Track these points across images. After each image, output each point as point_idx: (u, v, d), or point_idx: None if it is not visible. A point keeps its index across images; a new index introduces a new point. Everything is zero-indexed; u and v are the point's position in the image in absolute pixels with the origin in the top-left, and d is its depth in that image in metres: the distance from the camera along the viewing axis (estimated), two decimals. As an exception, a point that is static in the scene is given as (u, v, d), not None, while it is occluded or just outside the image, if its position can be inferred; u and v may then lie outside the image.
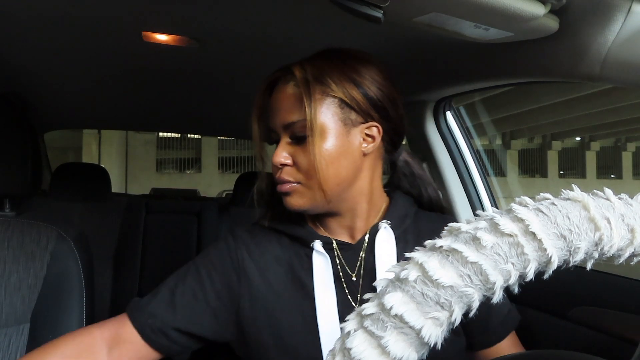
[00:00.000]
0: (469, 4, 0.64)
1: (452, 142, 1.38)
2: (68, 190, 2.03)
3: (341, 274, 0.75)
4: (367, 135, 0.74)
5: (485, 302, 0.68)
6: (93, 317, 1.00)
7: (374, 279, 0.73)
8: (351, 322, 0.37)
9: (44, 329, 0.94)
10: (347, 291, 0.74)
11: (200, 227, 2.22)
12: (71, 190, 2.03)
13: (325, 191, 0.72)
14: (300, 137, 0.71)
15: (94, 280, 1.04)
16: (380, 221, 0.77)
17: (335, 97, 0.71)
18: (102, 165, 2.44)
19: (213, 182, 17.14)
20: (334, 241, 0.77)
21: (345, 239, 0.79)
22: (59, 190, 2.02)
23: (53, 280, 0.96)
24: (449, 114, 1.39)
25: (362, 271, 0.75)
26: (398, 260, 0.71)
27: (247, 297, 0.75)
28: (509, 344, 0.82)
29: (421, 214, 0.83)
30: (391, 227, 0.76)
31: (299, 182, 0.73)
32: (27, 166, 0.99)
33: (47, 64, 1.36)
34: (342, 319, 0.69)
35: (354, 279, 0.75)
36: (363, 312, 0.36)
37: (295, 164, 0.73)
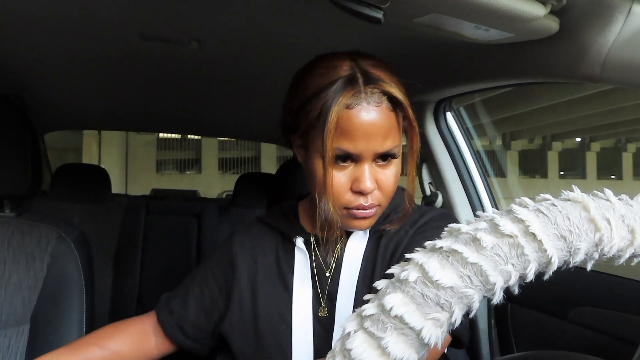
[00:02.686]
0: (470, 5, 0.64)
1: (452, 143, 1.38)
2: (68, 191, 2.03)
3: (315, 269, 0.78)
4: None
5: None
6: (93, 317, 1.00)
7: (339, 275, 0.76)
8: (351, 323, 0.37)
9: (44, 329, 0.94)
10: (317, 285, 0.77)
11: (201, 227, 2.22)
12: (71, 191, 2.03)
13: (397, 214, 0.76)
14: (386, 158, 0.70)
15: (94, 281, 1.04)
16: None
17: (409, 115, 0.71)
18: (102, 166, 2.44)
19: (213, 183, 17.14)
20: (312, 238, 0.79)
21: (332, 235, 0.79)
22: (59, 191, 2.02)
23: (53, 281, 0.96)
24: (449, 115, 1.39)
25: (333, 269, 0.78)
26: (364, 257, 0.75)
27: (238, 287, 0.81)
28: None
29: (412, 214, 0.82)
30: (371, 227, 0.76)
31: (379, 205, 0.71)
32: (27, 167, 0.99)
33: (47, 64, 1.36)
34: (314, 312, 0.75)
35: (327, 274, 0.77)
36: (363, 313, 0.36)
37: (378, 187, 0.70)
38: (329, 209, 0.69)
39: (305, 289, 0.76)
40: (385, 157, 0.69)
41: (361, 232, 0.77)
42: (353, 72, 0.68)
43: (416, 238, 0.74)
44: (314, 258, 0.78)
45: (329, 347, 0.73)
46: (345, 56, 0.71)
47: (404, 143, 0.76)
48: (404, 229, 0.77)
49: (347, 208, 0.70)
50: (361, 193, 0.69)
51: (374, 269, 0.74)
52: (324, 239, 0.77)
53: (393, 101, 0.68)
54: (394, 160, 0.71)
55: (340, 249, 0.77)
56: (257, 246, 0.83)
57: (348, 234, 0.78)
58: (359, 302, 0.69)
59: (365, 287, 0.74)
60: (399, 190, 0.80)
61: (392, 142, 0.69)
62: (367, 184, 0.68)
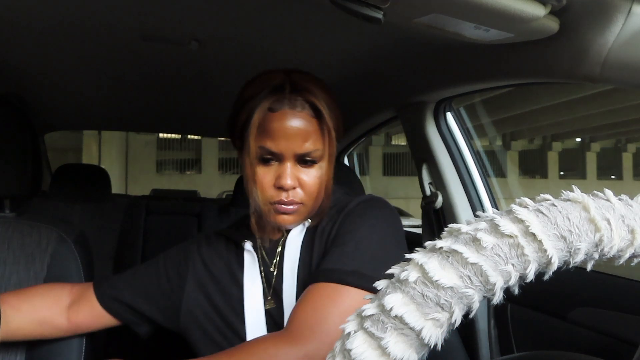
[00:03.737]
0: (469, 5, 0.64)
1: (452, 143, 1.38)
2: (68, 191, 2.03)
3: (262, 267, 0.85)
4: None
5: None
6: (93, 318, 1.00)
7: (282, 269, 0.82)
8: (351, 323, 0.37)
9: (44, 330, 0.94)
10: (264, 281, 0.84)
11: (201, 228, 2.22)
12: (71, 191, 2.03)
13: (320, 206, 0.82)
14: (307, 162, 0.78)
15: (94, 281, 1.04)
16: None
17: (334, 127, 0.80)
18: (102, 166, 2.44)
19: (213, 183, 17.14)
20: (259, 240, 0.86)
21: (275, 236, 0.87)
22: (59, 191, 2.02)
23: (53, 281, 0.96)
24: (449, 115, 1.39)
25: (276, 264, 0.85)
26: (301, 252, 0.83)
27: (192, 282, 0.88)
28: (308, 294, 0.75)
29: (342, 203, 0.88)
30: (309, 221, 0.84)
31: (302, 203, 0.79)
32: (27, 167, 0.99)
33: (47, 65, 1.36)
34: (264, 308, 0.82)
35: (271, 269, 0.85)
36: (363, 314, 0.36)
37: (300, 186, 0.79)
38: (258, 202, 0.79)
39: (256, 286, 0.83)
40: (306, 160, 0.78)
41: (299, 228, 0.84)
42: (282, 82, 0.78)
43: (344, 221, 0.81)
44: (261, 260, 0.86)
45: None
46: (281, 71, 0.81)
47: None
48: (338, 217, 0.83)
49: (271, 203, 0.79)
50: (282, 189, 0.77)
51: (312, 255, 0.81)
52: (269, 240, 0.86)
53: (316, 109, 0.77)
54: (317, 165, 0.79)
55: (282, 247, 0.85)
56: (212, 252, 0.90)
57: (288, 233, 0.84)
58: (300, 289, 0.79)
59: (306, 273, 0.80)
60: (338, 191, 0.89)
61: (313, 145, 0.77)
62: (287, 180, 0.76)
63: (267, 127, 0.76)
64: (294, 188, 0.78)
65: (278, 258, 0.85)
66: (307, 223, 0.84)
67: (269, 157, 0.78)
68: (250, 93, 0.79)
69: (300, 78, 0.79)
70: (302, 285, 0.79)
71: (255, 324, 0.81)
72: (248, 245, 0.85)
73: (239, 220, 0.96)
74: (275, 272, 0.84)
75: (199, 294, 0.87)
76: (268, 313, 0.82)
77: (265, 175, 0.78)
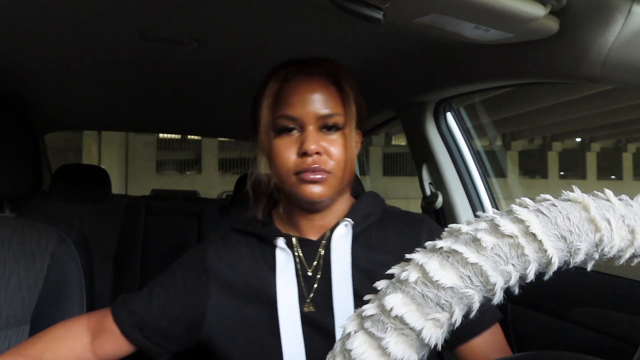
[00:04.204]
0: (469, 5, 0.64)
1: (452, 143, 1.38)
2: (68, 192, 2.03)
3: (299, 267, 0.79)
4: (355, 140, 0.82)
5: None
6: (93, 318, 1.00)
7: (329, 274, 0.76)
8: (351, 324, 0.37)
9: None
10: (302, 284, 0.78)
11: (201, 228, 2.22)
12: (71, 192, 2.03)
13: (347, 183, 0.79)
14: (331, 128, 0.75)
15: (94, 282, 1.04)
16: (341, 219, 0.80)
17: (354, 99, 0.78)
18: (102, 167, 2.43)
19: (213, 183, 17.13)
20: (294, 238, 0.81)
21: (312, 236, 0.82)
22: (59, 192, 2.02)
23: (53, 281, 0.95)
24: (449, 115, 1.39)
25: (319, 266, 0.79)
26: (353, 257, 0.75)
27: (215, 292, 0.80)
28: (484, 342, 0.76)
29: (391, 213, 0.86)
30: (352, 226, 0.79)
31: (330, 172, 0.75)
32: (27, 167, 0.99)
33: (47, 65, 1.36)
34: (300, 309, 0.76)
35: (309, 273, 0.79)
36: (363, 314, 0.36)
37: (326, 153, 0.75)
38: (282, 178, 0.76)
39: (290, 287, 0.77)
40: (329, 126, 0.75)
41: (342, 230, 0.78)
42: (294, 59, 0.79)
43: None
44: (298, 260, 0.80)
45: (319, 341, 0.75)
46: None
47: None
48: (396, 228, 0.82)
49: (296, 173, 0.74)
50: (306, 154, 0.73)
51: (371, 267, 0.76)
52: (305, 240, 0.81)
53: (333, 75, 0.77)
54: (340, 132, 0.76)
55: (325, 248, 0.79)
56: (233, 253, 0.83)
57: (331, 234, 0.79)
58: (357, 300, 0.74)
59: (363, 284, 0.75)
60: (375, 197, 0.87)
61: (333, 108, 0.75)
62: (311, 144, 0.73)
63: (284, 95, 0.75)
64: (318, 154, 0.74)
65: (321, 261, 0.79)
66: (349, 224, 0.79)
67: (289, 126, 0.75)
68: (268, 75, 0.79)
69: (315, 58, 0.80)
70: (359, 295, 0.74)
71: (290, 327, 0.75)
72: (281, 242, 0.79)
73: (252, 217, 0.87)
74: (319, 276, 0.78)
75: (225, 301, 0.80)
76: (305, 316, 0.76)
77: (286, 146, 0.75)
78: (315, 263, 0.79)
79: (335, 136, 0.76)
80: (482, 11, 0.66)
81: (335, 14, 0.66)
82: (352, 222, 0.79)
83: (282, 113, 0.75)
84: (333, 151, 0.75)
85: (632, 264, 0.41)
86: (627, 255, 0.39)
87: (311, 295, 0.77)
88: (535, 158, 22.25)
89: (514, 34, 0.75)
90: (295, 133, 0.75)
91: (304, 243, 0.81)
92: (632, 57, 0.69)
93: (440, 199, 1.39)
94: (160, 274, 0.86)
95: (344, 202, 0.83)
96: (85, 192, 2.06)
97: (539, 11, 0.67)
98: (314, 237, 0.81)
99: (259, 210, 0.85)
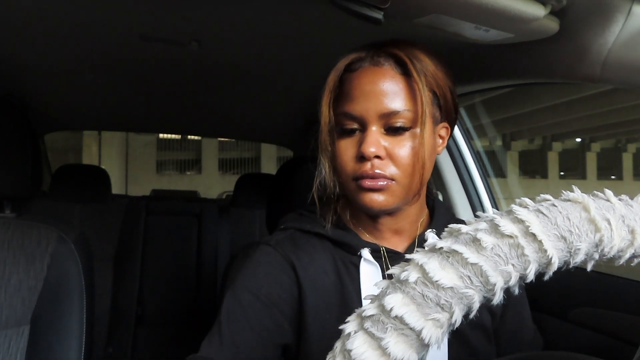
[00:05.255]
0: (470, 6, 0.64)
1: (452, 143, 1.38)
2: (68, 192, 2.03)
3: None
4: (439, 135, 0.72)
5: (516, 313, 0.73)
6: (93, 318, 1.00)
7: None
8: (351, 324, 0.37)
9: (44, 330, 0.94)
10: None
11: (201, 228, 2.22)
12: (71, 192, 2.03)
13: (418, 191, 0.69)
14: (397, 129, 0.65)
15: (94, 282, 1.04)
16: (425, 229, 0.73)
17: (432, 91, 0.67)
18: (102, 167, 2.43)
19: (213, 184, 17.13)
20: (382, 249, 0.71)
21: (388, 243, 0.73)
22: (59, 192, 2.02)
23: (53, 281, 0.95)
24: (449, 115, 1.39)
25: None
26: None
27: (304, 311, 0.69)
28: None
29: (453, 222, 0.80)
30: (437, 236, 0.71)
31: (392, 180, 0.65)
32: (27, 168, 0.99)
33: (47, 65, 1.36)
34: None
35: None
36: (363, 314, 0.36)
37: (389, 157, 0.65)
38: (345, 184, 0.67)
39: None
40: (395, 128, 0.65)
41: (433, 237, 0.70)
42: (365, 46, 0.68)
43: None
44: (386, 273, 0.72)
45: None
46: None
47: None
48: None
49: (354, 179, 0.66)
50: (364, 158, 0.64)
51: None
52: (393, 252, 0.71)
53: (403, 65, 0.66)
54: (409, 132, 0.65)
55: None
56: (313, 260, 0.71)
57: (420, 246, 0.68)
58: None
59: None
60: (449, 209, 0.77)
61: (400, 105, 0.64)
62: (369, 146, 0.63)
63: (345, 89, 0.67)
64: (378, 157, 0.64)
65: None
66: (432, 232, 0.71)
67: (351, 126, 0.66)
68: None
69: (389, 41, 0.69)
70: None
71: None
72: (366, 253, 0.70)
73: (320, 217, 0.75)
74: None
75: (311, 324, 0.68)
76: None
77: (347, 148, 0.66)
78: None
79: (403, 138, 0.65)
80: (482, 11, 0.66)
81: (335, 14, 0.66)
82: (436, 232, 0.72)
83: (342, 110, 0.66)
84: (398, 154, 0.65)
85: (632, 264, 0.41)
86: (627, 256, 0.39)
87: None
88: (535, 158, 22.25)
89: (514, 34, 0.75)
90: (357, 133, 0.67)
91: (391, 255, 0.71)
92: (632, 57, 0.69)
93: (440, 199, 1.39)
94: (226, 312, 0.69)
95: (418, 205, 0.74)
96: (85, 192, 2.06)
97: (539, 11, 0.67)
98: (388, 243, 0.73)
99: (327, 217, 0.74)
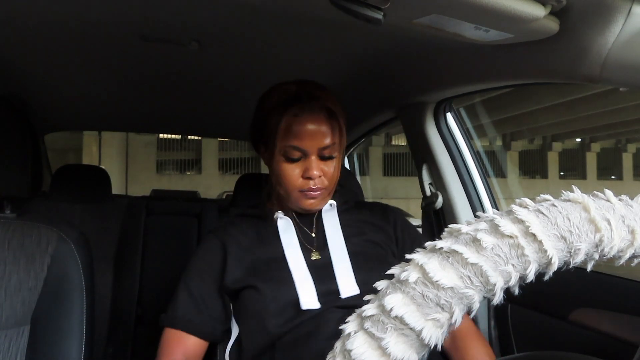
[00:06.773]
0: (470, 6, 0.64)
1: (452, 144, 1.38)
2: (68, 192, 2.03)
3: (297, 230, 1.02)
4: None
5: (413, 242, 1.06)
6: (93, 319, 1.00)
7: (323, 232, 1.01)
8: (351, 324, 0.37)
9: (44, 330, 0.94)
10: (302, 240, 1.01)
11: (201, 228, 2.21)
12: (71, 192, 2.03)
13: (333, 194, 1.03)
14: (328, 157, 0.97)
15: (94, 282, 1.04)
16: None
17: (342, 125, 0.99)
18: (103, 167, 2.43)
19: (213, 184, 17.14)
20: (292, 213, 1.03)
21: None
22: (59, 192, 2.02)
23: (53, 281, 0.95)
24: (449, 116, 1.39)
25: (315, 229, 1.03)
26: (341, 222, 1.02)
27: (230, 259, 0.99)
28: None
29: (362, 203, 1.16)
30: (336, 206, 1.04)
31: (325, 189, 0.98)
32: (27, 168, 0.99)
33: (47, 65, 1.36)
34: (306, 258, 0.96)
35: (313, 235, 1.03)
36: (363, 314, 0.36)
37: (324, 175, 0.97)
38: (288, 192, 0.98)
39: (293, 241, 0.98)
40: (326, 157, 0.96)
41: (331, 207, 1.03)
42: (298, 92, 0.96)
43: (405, 226, 1.09)
44: (296, 225, 1.02)
45: (326, 281, 0.93)
46: (292, 83, 0.98)
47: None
48: (368, 210, 1.10)
49: (301, 191, 0.97)
50: (310, 178, 0.95)
51: (356, 228, 1.03)
52: (300, 214, 1.04)
53: (329, 112, 0.95)
54: (334, 160, 0.98)
55: (317, 217, 1.04)
56: (242, 229, 1.03)
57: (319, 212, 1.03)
58: (349, 244, 0.99)
59: (353, 237, 1.00)
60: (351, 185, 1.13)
61: (331, 140, 0.95)
62: (314, 171, 0.95)
63: (294, 129, 0.93)
64: (319, 177, 0.96)
65: (315, 225, 1.03)
66: (334, 203, 1.03)
67: (296, 155, 0.95)
68: (272, 104, 0.96)
69: (311, 88, 0.97)
70: (350, 245, 0.99)
71: (299, 270, 0.94)
72: (281, 214, 1.01)
73: (253, 205, 1.11)
74: (314, 235, 1.02)
75: (242, 271, 0.97)
76: (312, 263, 0.96)
77: (293, 169, 0.96)
78: (314, 227, 1.03)
79: (330, 163, 0.97)
80: (482, 12, 0.66)
81: (335, 14, 0.66)
82: (334, 204, 1.03)
83: (291, 144, 0.94)
84: (328, 172, 0.97)
85: (632, 264, 0.41)
86: (627, 256, 0.39)
87: (314, 247, 1.00)
88: (535, 158, 22.26)
89: (514, 35, 0.76)
90: (300, 160, 0.96)
91: (299, 214, 1.04)
92: (632, 57, 0.69)
93: (440, 199, 1.39)
94: (182, 279, 1.02)
95: None
96: (85, 192, 2.06)
97: (539, 12, 0.67)
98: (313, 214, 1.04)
99: (268, 205, 1.05)
